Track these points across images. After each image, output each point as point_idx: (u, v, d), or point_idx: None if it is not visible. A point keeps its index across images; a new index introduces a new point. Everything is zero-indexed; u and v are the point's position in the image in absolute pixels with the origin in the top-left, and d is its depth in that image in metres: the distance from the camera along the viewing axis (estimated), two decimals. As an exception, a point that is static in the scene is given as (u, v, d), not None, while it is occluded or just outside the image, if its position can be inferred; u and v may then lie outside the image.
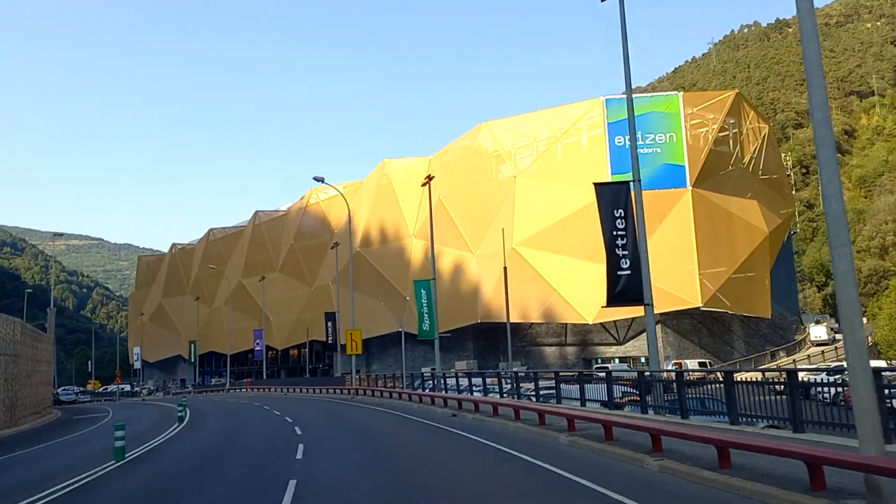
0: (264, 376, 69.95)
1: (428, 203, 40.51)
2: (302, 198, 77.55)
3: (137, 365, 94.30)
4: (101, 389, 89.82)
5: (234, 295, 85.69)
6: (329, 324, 57.72)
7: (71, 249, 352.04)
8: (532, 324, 57.97)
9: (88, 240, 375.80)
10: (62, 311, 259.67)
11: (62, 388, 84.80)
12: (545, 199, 53.09)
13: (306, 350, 78.26)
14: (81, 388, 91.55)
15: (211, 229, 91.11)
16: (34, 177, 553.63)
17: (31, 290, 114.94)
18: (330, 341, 57.33)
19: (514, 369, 57.07)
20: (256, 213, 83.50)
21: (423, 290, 37.09)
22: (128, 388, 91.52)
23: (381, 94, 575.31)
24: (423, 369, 63.21)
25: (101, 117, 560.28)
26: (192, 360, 78.59)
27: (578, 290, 50.89)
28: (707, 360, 49.35)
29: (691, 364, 47.84)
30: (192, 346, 78.84)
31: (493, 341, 60.78)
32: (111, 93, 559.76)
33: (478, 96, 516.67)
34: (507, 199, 55.20)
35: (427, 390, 36.57)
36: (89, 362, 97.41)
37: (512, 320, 55.99)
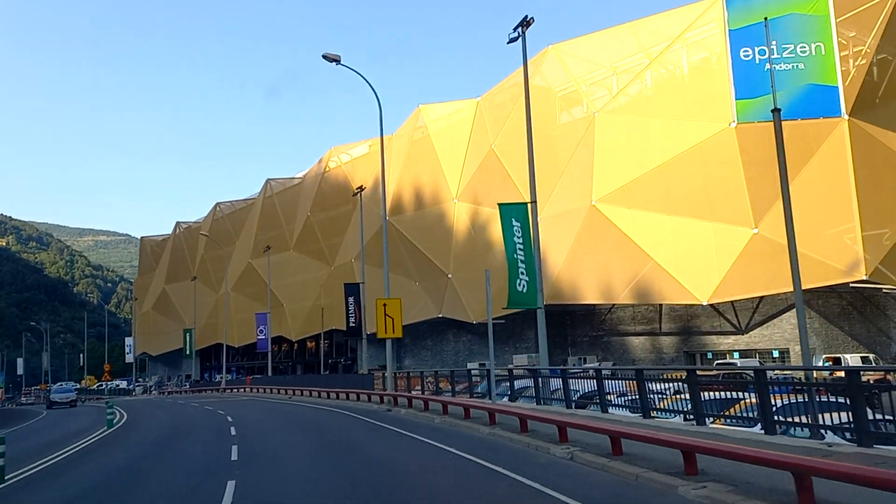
0: (269, 372, 56.59)
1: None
2: (320, 161, 64.22)
3: (130, 358, 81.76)
4: (94, 387, 77.27)
5: (242, 278, 72.71)
6: (350, 300, 43.90)
7: (98, 245, 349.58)
8: (613, 306, 43.99)
9: (116, 235, 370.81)
10: (85, 305, 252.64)
11: (58, 384, 72.00)
12: (637, 139, 39.12)
13: (326, 341, 65.03)
14: (75, 385, 79.37)
15: (217, 204, 78.23)
16: (63, 173, 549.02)
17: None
18: (353, 323, 43.54)
19: (592, 365, 43.27)
20: (268, 182, 70.36)
21: (514, 223, 23.38)
22: (124, 384, 79.09)
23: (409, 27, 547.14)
24: (470, 365, 49.52)
25: (128, 114, 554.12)
26: (188, 352, 65.58)
27: (684, 260, 36.91)
28: (869, 355, 35.15)
29: (851, 360, 33.72)
30: (188, 335, 65.81)
31: (559, 329, 46.98)
32: (139, 89, 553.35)
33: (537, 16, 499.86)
34: (582, 145, 41.28)
35: (505, 399, 23.11)
36: (81, 356, 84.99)
37: (590, 301, 42.13)
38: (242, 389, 51.18)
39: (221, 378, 66.14)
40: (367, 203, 57.83)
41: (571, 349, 46.66)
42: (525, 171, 46.84)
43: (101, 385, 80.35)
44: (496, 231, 47.21)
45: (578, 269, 41.07)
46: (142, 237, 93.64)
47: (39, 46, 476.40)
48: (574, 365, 42.96)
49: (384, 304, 27.41)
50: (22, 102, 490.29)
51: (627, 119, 39.79)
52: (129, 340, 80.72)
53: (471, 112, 49.05)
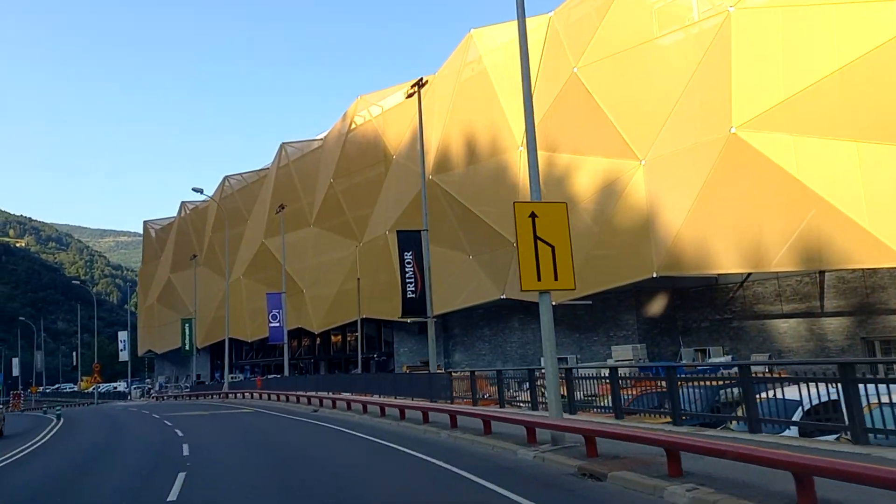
0: (286, 371, 44.83)
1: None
2: (344, 117, 52.65)
3: (124, 356, 70.70)
4: (90, 389, 66.31)
5: (255, 262, 61.47)
6: (408, 257, 31.74)
7: (119, 246, 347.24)
8: (746, 279, 32.06)
9: (136, 236, 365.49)
10: (104, 304, 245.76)
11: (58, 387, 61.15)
12: (798, 38, 27.12)
13: (353, 334, 53.65)
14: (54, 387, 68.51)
15: (226, 178, 66.96)
16: (84, 175, 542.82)
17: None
18: (412, 292, 31.68)
19: (718, 359, 31.32)
20: (282, 147, 58.89)
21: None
22: (122, 386, 68.21)
23: None
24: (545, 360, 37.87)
25: (153, 117, 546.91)
26: (188, 347, 54.25)
27: (875, 206, 24.88)
28: None
29: None
30: (187, 327, 54.45)
31: (664, 313, 35.16)
32: (162, 91, 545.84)
33: None
34: (711, 55, 29.37)
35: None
36: (74, 354, 74.27)
37: (725, 270, 30.14)
38: (250, 395, 39.70)
39: (225, 380, 55.17)
40: (403, 163, 46.34)
41: (684, 338, 34.73)
42: (623, 98, 35.17)
43: (98, 387, 69.64)
44: (580, 183, 35.55)
45: (706, 227, 29.17)
46: (144, 221, 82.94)
47: (57, 53, 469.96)
48: (695, 360, 31.09)
49: (531, 217, 13.29)
50: (44, 106, 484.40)
51: (779, 14, 27.80)
52: (122, 335, 69.54)
53: (541, 33, 37.19)
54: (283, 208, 47.17)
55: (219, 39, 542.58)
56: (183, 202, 74.29)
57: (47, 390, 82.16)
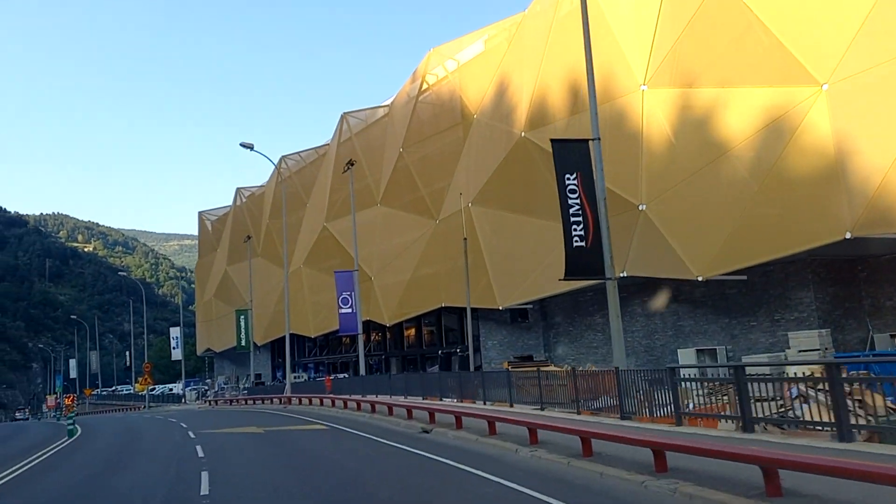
0: (362, 368, 36.70)
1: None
2: (413, 76, 45.40)
3: (177, 354, 65.07)
4: (143, 391, 60.94)
5: (317, 249, 54.91)
6: (575, 196, 23.66)
7: (184, 249, 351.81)
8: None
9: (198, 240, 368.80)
10: (167, 306, 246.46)
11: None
12: None
13: (431, 327, 46.58)
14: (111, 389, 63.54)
15: (283, 158, 60.51)
16: (151, 181, 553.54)
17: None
18: (580, 239, 23.68)
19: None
20: (343, 118, 52.04)
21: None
22: (177, 388, 62.76)
23: None
24: (683, 352, 29.58)
25: (219, 123, 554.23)
26: (244, 342, 47.61)
27: None
28: None
29: None
30: (242, 320, 47.90)
31: (847, 288, 26.74)
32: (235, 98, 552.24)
33: None
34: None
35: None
36: (127, 353, 69.33)
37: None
38: (319, 401, 32.14)
39: (308, 375, 48.64)
40: (487, 122, 38.82)
41: (872, 320, 26.27)
42: (790, 2, 26.84)
43: (154, 389, 64.45)
44: (729, 124, 27.38)
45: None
46: (199, 212, 77.51)
47: (110, 60, 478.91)
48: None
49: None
50: (112, 113, 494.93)
51: None
52: (174, 332, 63.81)
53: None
54: (351, 165, 39.87)
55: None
56: (238, 189, 68.54)
57: (103, 393, 77.69)
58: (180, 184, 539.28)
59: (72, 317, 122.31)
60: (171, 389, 61.87)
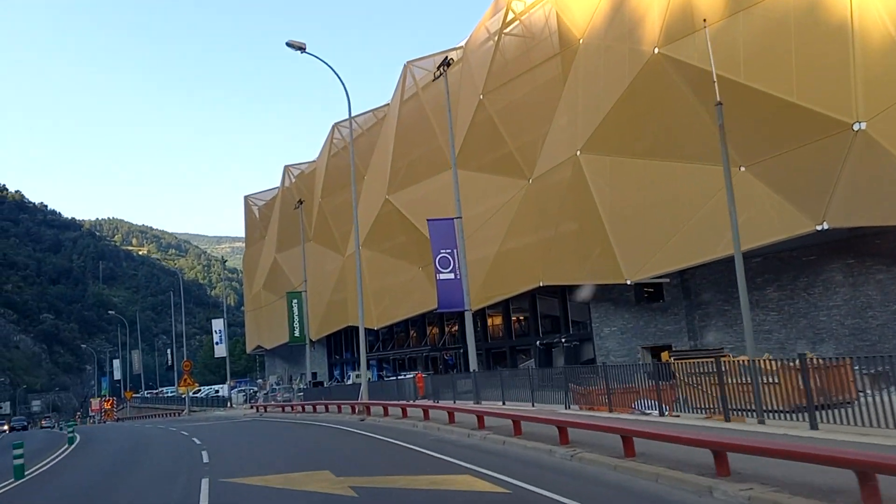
0: (472, 362, 25.90)
1: None
2: (493, 6, 36.59)
3: (220, 351, 57.50)
4: (186, 394, 53.70)
5: (378, 228, 46.68)
6: None
7: (235, 251, 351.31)
8: None
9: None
10: (219, 307, 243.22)
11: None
12: None
13: (522, 314, 37.94)
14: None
15: (335, 125, 52.41)
16: (203, 185, 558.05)
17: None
18: None
19: None
20: (407, 68, 43.58)
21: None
22: (223, 389, 55.52)
23: None
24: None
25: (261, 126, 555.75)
26: (298, 333, 38.90)
27: None
28: None
29: None
30: (294, 305, 39.35)
31: None
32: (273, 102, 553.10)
33: None
34: None
35: None
36: (169, 352, 62.37)
37: None
38: (403, 411, 22.40)
39: (362, 383, 40.45)
40: (600, 43, 29.90)
41: None
42: None
43: (199, 390, 57.30)
44: None
45: None
46: (245, 196, 70.03)
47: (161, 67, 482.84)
48: None
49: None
50: (165, 118, 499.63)
51: None
52: (216, 324, 56.07)
53: None
54: (442, 66, 30.52)
55: None
56: (286, 167, 60.71)
57: (147, 395, 71.22)
58: (232, 186, 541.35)
59: (109, 312, 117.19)
60: (216, 392, 54.57)
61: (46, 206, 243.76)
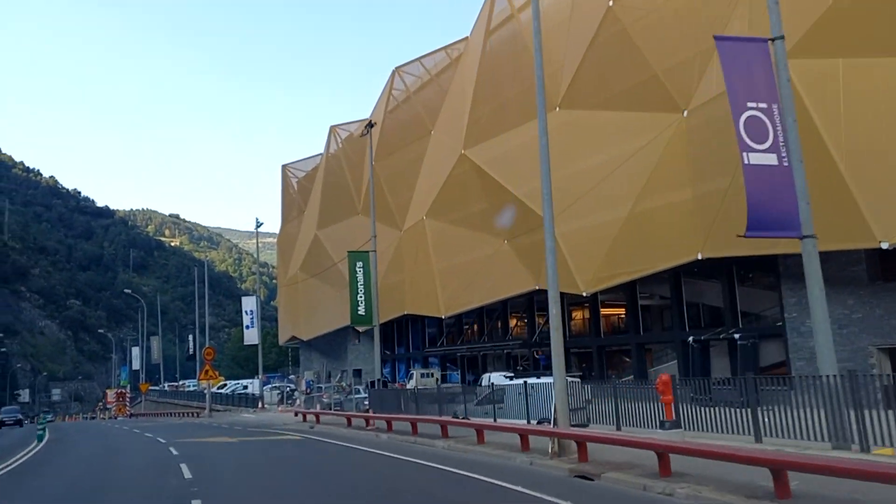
0: (596, 364, 16.13)
1: None
2: None
3: (251, 338, 47.86)
4: (206, 387, 44.39)
5: (447, 193, 36.94)
6: None
7: (266, 247, 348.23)
8: None
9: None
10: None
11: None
12: None
13: (661, 300, 28.00)
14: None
15: (397, 70, 42.80)
16: (235, 179, 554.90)
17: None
18: None
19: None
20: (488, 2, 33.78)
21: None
22: (253, 384, 46.32)
23: None
24: None
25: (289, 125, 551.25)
26: (363, 310, 28.01)
27: None
28: None
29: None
30: (358, 270, 28.25)
31: None
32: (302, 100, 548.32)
33: None
34: None
35: None
36: (191, 338, 53.43)
37: None
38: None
39: (415, 375, 30.52)
40: None
41: None
42: None
43: (225, 385, 48.19)
44: None
45: None
46: (283, 166, 60.72)
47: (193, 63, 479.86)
48: None
49: None
50: (197, 120, 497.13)
51: None
52: (247, 303, 46.05)
53: None
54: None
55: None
56: (332, 127, 51.19)
57: (165, 388, 61.99)
58: (266, 182, 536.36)
59: (126, 291, 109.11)
60: (244, 387, 45.01)
61: (80, 193, 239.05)
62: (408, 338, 44.99)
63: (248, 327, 42.25)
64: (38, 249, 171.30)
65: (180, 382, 65.39)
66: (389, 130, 43.87)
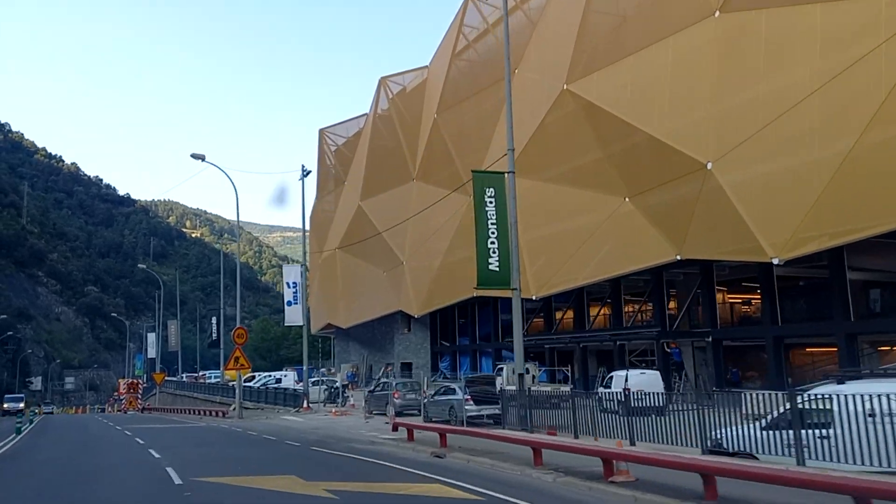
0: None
1: None
2: None
3: (294, 317, 39.68)
4: (237, 383, 36.73)
5: (541, 141, 28.88)
6: None
7: (286, 241, 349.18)
8: None
9: (300, 232, 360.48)
10: (269, 292, 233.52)
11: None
12: None
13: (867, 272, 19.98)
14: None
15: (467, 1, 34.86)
16: (256, 175, 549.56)
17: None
18: None
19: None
20: None
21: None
22: (288, 377, 38.63)
23: None
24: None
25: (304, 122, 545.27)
26: (497, 265, 18.71)
27: None
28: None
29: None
30: (488, 196, 17.98)
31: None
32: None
33: None
34: None
35: None
36: (214, 321, 45.89)
37: None
38: None
39: (505, 369, 22.75)
40: None
41: None
42: None
43: (255, 378, 40.60)
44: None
45: None
46: (320, 130, 52.75)
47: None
48: None
49: None
50: (217, 111, 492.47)
51: None
52: (289, 274, 37.45)
53: None
54: None
55: None
56: (382, 79, 43.24)
57: (183, 379, 54.18)
58: (295, 178, 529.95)
59: (139, 265, 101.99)
60: (277, 381, 36.82)
61: (102, 181, 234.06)
62: (472, 326, 37.08)
63: (289, 303, 33.90)
64: (58, 235, 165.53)
65: (200, 373, 57.90)
66: (456, 78, 36.06)
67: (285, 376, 36.56)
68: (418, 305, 37.69)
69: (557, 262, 27.48)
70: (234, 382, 33.51)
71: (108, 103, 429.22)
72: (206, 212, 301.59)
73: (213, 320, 47.36)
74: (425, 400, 20.92)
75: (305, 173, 32.11)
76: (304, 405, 26.93)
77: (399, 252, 40.00)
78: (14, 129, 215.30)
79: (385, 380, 25.76)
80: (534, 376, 24.68)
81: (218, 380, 46.97)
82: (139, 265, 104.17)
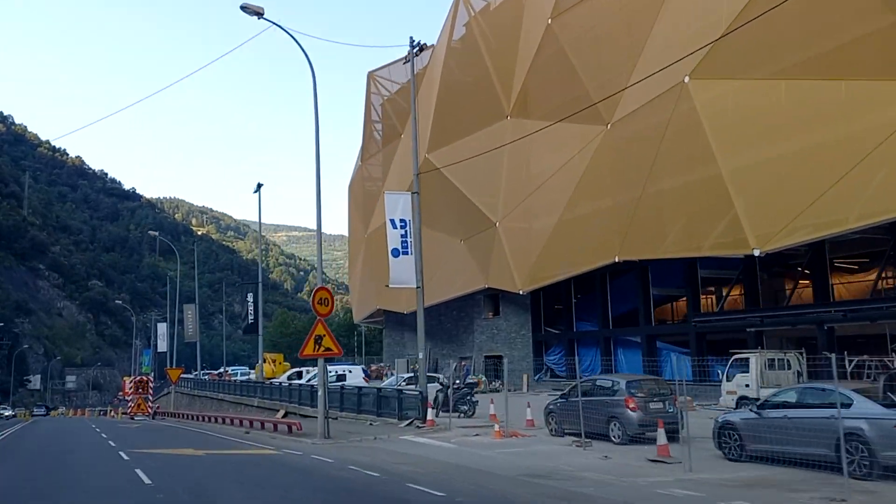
0: None
1: None
2: None
3: (407, 272, 30.06)
4: (277, 379, 26.59)
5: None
6: None
7: (291, 240, 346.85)
8: None
9: (307, 231, 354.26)
10: (277, 289, 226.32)
11: None
12: None
13: None
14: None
15: None
16: (265, 174, 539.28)
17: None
18: None
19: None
20: None
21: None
22: (355, 372, 28.61)
23: None
24: None
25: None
26: None
27: None
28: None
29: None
30: None
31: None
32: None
33: None
34: None
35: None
36: (250, 297, 35.78)
37: None
38: None
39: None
40: None
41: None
42: None
43: (296, 373, 30.52)
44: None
45: None
46: (369, 73, 41.95)
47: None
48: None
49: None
50: (222, 109, 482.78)
51: None
52: (394, 202, 27.50)
53: None
54: None
55: None
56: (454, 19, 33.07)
57: (203, 377, 43.74)
58: (298, 179, 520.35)
59: (152, 231, 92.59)
60: (340, 378, 25.56)
61: (107, 175, 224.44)
62: (605, 305, 26.77)
63: (395, 253, 21.37)
64: (61, 228, 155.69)
65: (222, 370, 47.86)
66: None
67: (350, 372, 26.57)
68: (522, 279, 27.73)
69: (796, 200, 17.48)
70: (279, 379, 23.48)
71: (115, 98, 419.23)
72: (211, 209, 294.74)
73: (249, 297, 37.14)
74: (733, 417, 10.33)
75: (416, 45, 22.03)
76: (429, 419, 16.33)
77: (489, 212, 30.00)
78: (17, 121, 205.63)
79: (595, 378, 14.57)
80: (798, 372, 14.74)
81: (247, 376, 36.98)
82: (150, 231, 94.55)
